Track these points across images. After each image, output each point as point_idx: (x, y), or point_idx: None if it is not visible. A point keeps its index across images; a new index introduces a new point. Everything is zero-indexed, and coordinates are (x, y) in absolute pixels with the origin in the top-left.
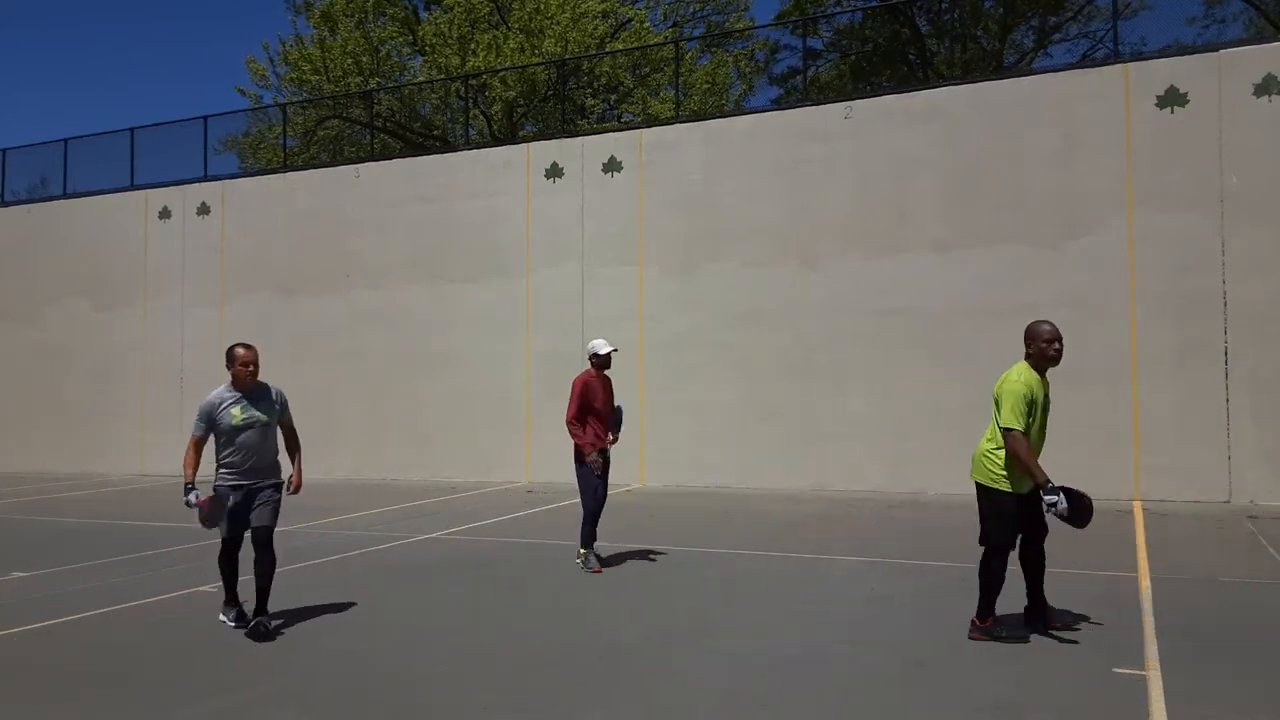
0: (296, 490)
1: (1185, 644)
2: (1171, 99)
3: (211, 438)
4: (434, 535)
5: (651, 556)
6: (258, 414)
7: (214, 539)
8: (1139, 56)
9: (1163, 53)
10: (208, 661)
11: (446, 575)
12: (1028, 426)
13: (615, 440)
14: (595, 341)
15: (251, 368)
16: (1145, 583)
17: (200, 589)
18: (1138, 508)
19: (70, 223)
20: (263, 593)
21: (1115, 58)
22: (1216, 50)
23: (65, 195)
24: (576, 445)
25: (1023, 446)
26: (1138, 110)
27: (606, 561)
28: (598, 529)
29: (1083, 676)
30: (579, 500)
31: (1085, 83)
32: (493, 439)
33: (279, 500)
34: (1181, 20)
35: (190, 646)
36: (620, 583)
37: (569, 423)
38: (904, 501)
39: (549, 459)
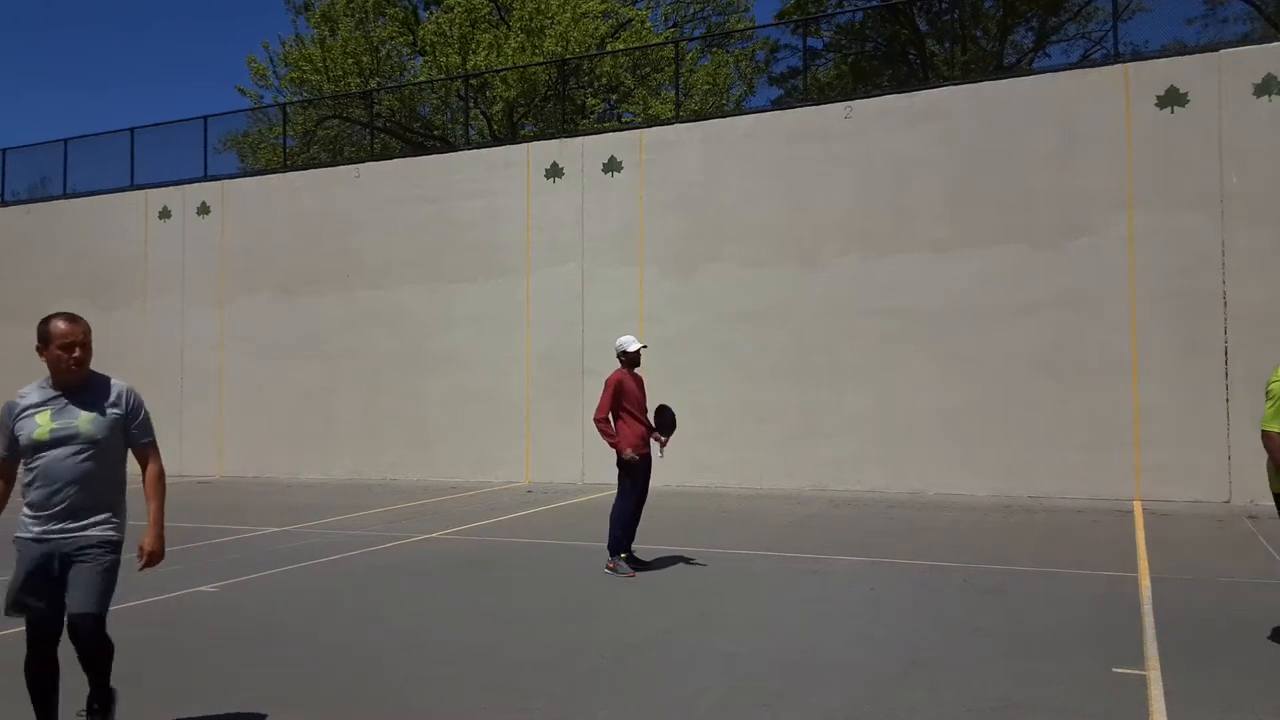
0: (148, 561)
1: (1185, 644)
2: (1171, 99)
3: None
4: (434, 535)
5: (651, 557)
6: (76, 425)
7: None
8: (1138, 56)
9: (1163, 53)
10: (207, 661)
11: (446, 575)
12: None
13: (666, 441)
14: (624, 338)
15: (78, 352)
16: (1145, 583)
17: (200, 589)
18: (1138, 508)
19: (70, 223)
20: (96, 683)
21: (1115, 58)
22: (1216, 50)
23: (65, 195)
24: (613, 444)
25: (1273, 446)
26: (1138, 110)
27: (604, 562)
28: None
29: (1083, 676)
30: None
31: (1085, 83)
32: (493, 439)
33: (109, 566)
34: (1181, 21)
35: (190, 646)
36: (620, 583)
37: (597, 422)
38: (904, 501)
39: (549, 459)
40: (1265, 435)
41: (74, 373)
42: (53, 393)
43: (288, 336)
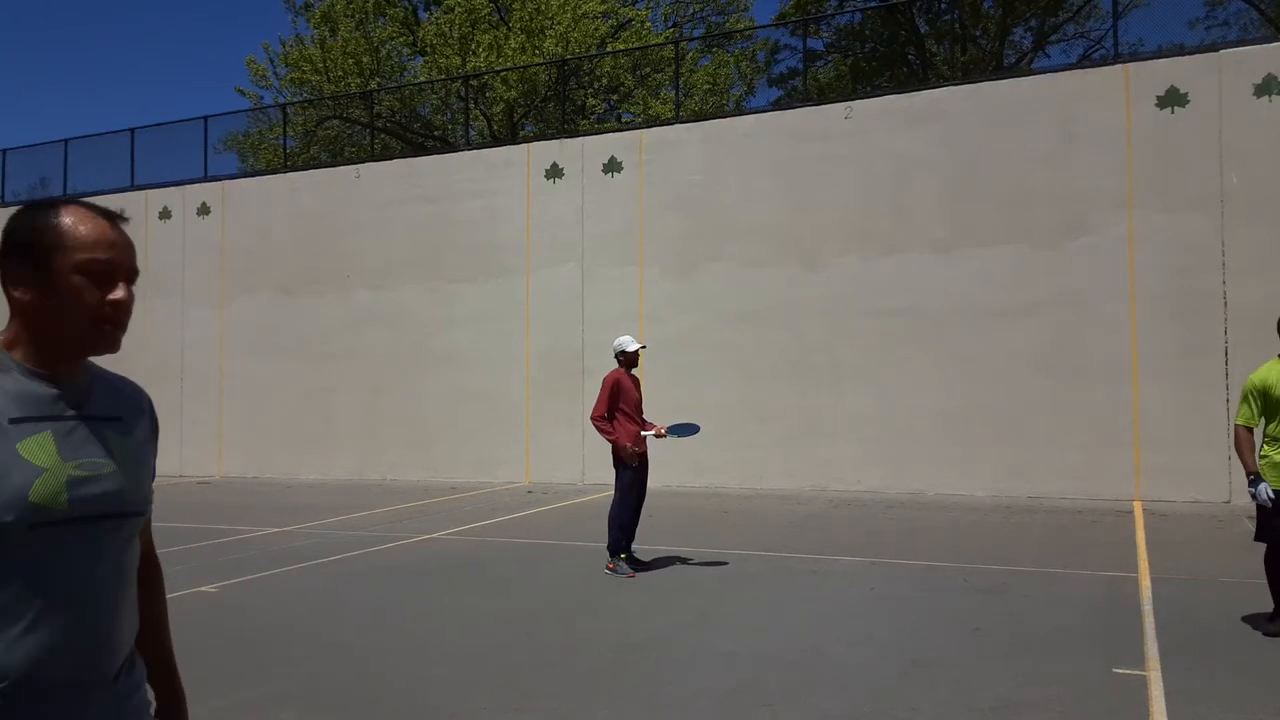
0: None
1: (1185, 644)
2: (1171, 99)
3: None
4: (434, 535)
5: (651, 557)
6: (112, 472)
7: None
8: (1138, 56)
9: (1163, 53)
10: (207, 661)
11: (446, 576)
12: (1259, 420)
13: (663, 433)
14: (622, 339)
15: (123, 292)
16: (1145, 583)
17: (200, 589)
18: (1138, 508)
19: None
20: None
21: (1115, 58)
22: (1216, 50)
23: (65, 195)
24: (613, 444)
25: (1237, 439)
26: (1138, 110)
27: (604, 563)
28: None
29: (1083, 676)
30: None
31: (1085, 83)
32: (493, 439)
33: None
34: (1181, 21)
35: (190, 646)
36: (620, 583)
37: (596, 420)
38: (904, 501)
39: (549, 459)
40: (1234, 429)
41: (108, 338)
42: (42, 386)
43: (288, 337)
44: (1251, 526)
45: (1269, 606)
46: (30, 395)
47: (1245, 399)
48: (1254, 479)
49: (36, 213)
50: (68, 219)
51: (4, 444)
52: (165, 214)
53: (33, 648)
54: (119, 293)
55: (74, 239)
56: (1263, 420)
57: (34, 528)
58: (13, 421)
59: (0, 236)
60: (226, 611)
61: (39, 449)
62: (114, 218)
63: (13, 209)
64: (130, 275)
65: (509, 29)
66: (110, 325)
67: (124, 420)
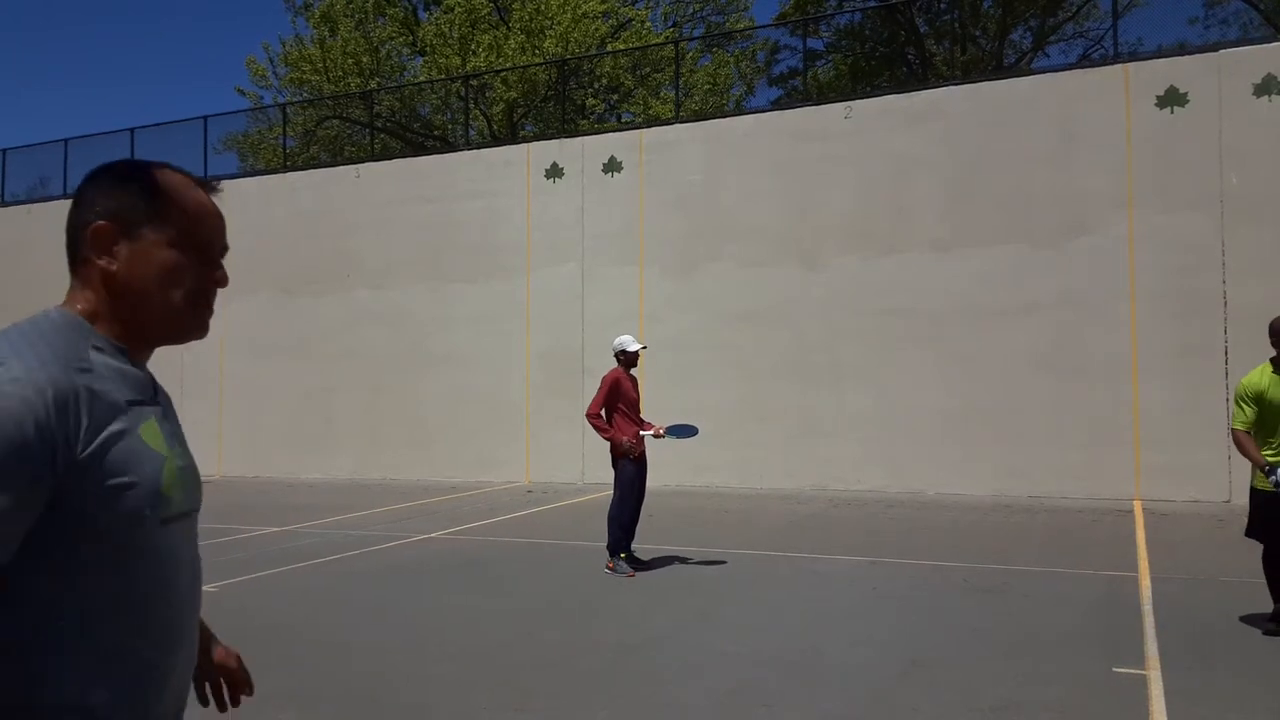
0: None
1: (1185, 644)
2: (1171, 99)
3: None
4: (434, 535)
5: (651, 557)
6: (189, 459)
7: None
8: (1138, 56)
9: (1162, 53)
10: None
11: (447, 575)
12: (1254, 422)
13: (662, 433)
14: (623, 338)
15: (221, 272)
16: (1145, 583)
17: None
18: (1138, 508)
19: None
20: None
21: (1115, 58)
22: (1216, 50)
23: (65, 195)
24: (611, 443)
25: (1238, 442)
26: (1138, 110)
27: (604, 562)
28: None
29: (1083, 676)
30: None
31: (1085, 83)
32: (493, 439)
33: None
34: (1181, 20)
35: None
36: (620, 583)
37: (591, 417)
38: (904, 501)
39: (549, 459)
40: (1233, 433)
41: (201, 320)
42: (133, 367)
43: (288, 336)
44: None
45: (1269, 606)
46: (130, 377)
47: (1239, 403)
48: (1271, 468)
49: (136, 175)
50: (172, 185)
51: (130, 429)
52: None
53: (160, 651)
54: (220, 270)
55: (180, 208)
56: (1256, 424)
57: (164, 523)
58: (129, 404)
59: (91, 197)
60: (226, 611)
61: (155, 435)
62: (210, 188)
63: (13, 208)
64: (225, 252)
65: (509, 29)
66: (205, 306)
67: (166, 409)
